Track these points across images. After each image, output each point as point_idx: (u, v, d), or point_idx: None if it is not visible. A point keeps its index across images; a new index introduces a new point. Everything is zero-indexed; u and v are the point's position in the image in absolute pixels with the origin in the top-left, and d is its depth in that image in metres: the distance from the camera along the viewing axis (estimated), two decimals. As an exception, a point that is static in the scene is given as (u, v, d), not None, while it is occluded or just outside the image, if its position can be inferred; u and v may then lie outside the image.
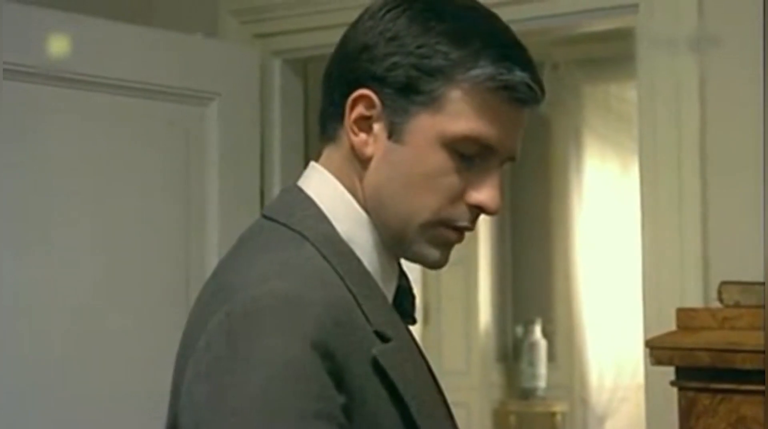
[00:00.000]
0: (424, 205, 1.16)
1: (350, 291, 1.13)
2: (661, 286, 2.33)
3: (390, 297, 1.21)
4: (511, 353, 5.74)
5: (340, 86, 1.19)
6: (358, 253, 1.17)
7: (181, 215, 2.72)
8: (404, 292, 1.26)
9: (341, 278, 1.13)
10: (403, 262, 1.25)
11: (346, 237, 1.18)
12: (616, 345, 5.25)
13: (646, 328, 2.30)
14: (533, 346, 5.58)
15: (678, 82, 2.33)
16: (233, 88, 2.82)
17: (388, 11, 1.18)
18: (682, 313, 2.03)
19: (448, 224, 1.17)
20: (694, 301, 2.24)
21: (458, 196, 1.16)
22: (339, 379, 1.05)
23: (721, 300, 2.02)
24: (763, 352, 1.78)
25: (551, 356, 5.62)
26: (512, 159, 1.20)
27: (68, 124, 2.52)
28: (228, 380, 1.03)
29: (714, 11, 2.32)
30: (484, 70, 1.13)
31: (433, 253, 1.19)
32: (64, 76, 2.49)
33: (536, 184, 5.58)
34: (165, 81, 2.68)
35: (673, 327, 2.03)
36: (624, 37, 3.15)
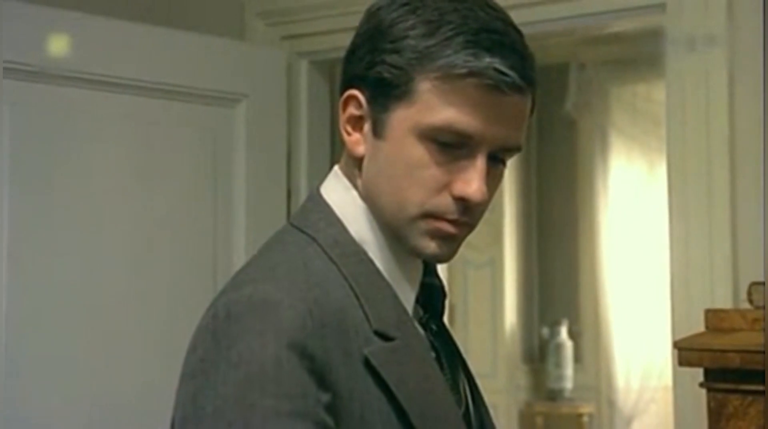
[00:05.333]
0: (409, 199, 1.16)
1: (353, 291, 1.14)
2: (690, 287, 2.31)
3: (410, 296, 1.21)
4: (538, 354, 5.73)
5: (340, 89, 1.22)
6: (371, 254, 1.19)
7: (208, 216, 2.74)
8: (436, 290, 1.26)
9: (345, 279, 1.15)
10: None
11: (358, 238, 1.19)
12: (643, 346, 5.22)
13: (675, 329, 2.29)
14: (560, 347, 5.56)
15: (707, 81, 2.32)
16: (260, 90, 2.83)
17: (371, 11, 1.20)
18: (712, 315, 2.01)
19: (436, 216, 1.16)
20: (723, 302, 2.23)
21: (442, 188, 1.15)
22: (321, 377, 1.06)
23: (750, 301, 2.01)
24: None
25: (578, 357, 5.60)
26: (510, 150, 1.18)
27: (96, 126, 2.54)
28: (209, 381, 1.06)
29: (743, 9, 2.30)
30: (449, 58, 1.13)
31: (430, 246, 1.17)
32: (92, 79, 2.51)
33: (562, 185, 5.56)
34: (192, 83, 2.69)
35: (701, 328, 2.02)
36: (651, 37, 3.14)
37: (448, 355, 1.25)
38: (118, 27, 2.57)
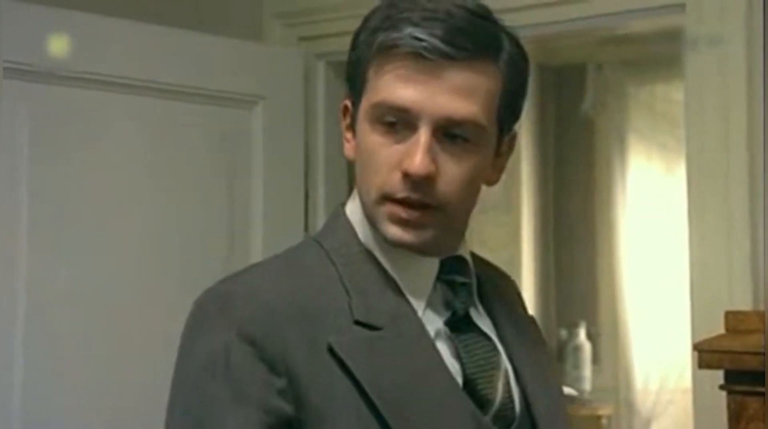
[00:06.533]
0: (370, 184, 1.20)
1: (344, 286, 1.19)
2: (709, 288, 2.30)
3: (421, 293, 1.23)
4: (556, 356, 5.71)
5: None
6: (377, 254, 1.23)
7: (225, 219, 2.74)
8: (460, 287, 1.26)
9: (340, 276, 1.20)
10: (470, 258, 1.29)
11: (364, 240, 1.24)
12: (661, 347, 5.20)
13: (694, 330, 2.28)
14: (577, 348, 5.54)
15: (726, 82, 2.31)
16: (277, 92, 2.83)
17: None
18: (731, 316, 2.01)
19: (390, 198, 1.18)
20: (743, 303, 2.21)
21: (395, 168, 1.17)
22: (273, 364, 1.12)
23: (770, 302, 2.00)
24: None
25: (596, 359, 5.57)
26: (461, 124, 1.17)
27: (113, 128, 2.54)
28: (177, 371, 1.19)
29: (762, 9, 2.28)
30: (378, 38, 1.18)
31: (392, 230, 1.19)
32: (109, 81, 2.52)
33: (580, 186, 5.54)
34: (209, 85, 2.69)
35: (721, 330, 2.01)
36: (669, 37, 3.13)
37: (480, 352, 1.24)
38: (135, 29, 2.57)
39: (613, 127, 5.46)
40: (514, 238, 5.24)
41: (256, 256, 2.67)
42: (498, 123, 1.22)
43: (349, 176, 3.02)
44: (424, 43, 1.14)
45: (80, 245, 2.47)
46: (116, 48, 2.54)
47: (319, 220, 2.90)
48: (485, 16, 1.20)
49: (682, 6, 2.38)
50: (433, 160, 1.16)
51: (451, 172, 1.17)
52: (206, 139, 2.71)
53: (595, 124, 5.46)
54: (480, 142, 1.19)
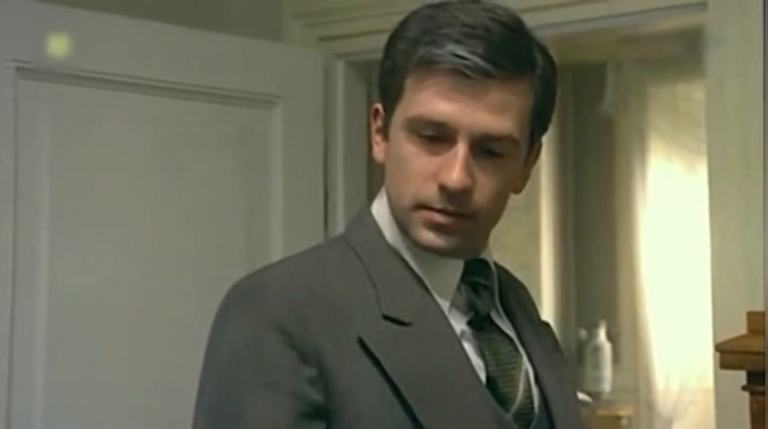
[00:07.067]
0: (403, 191, 1.23)
1: (372, 280, 1.23)
2: (731, 288, 2.28)
3: (446, 292, 1.26)
4: (576, 356, 5.69)
5: None
6: (404, 254, 1.27)
7: (245, 218, 2.74)
8: (482, 289, 1.29)
9: (367, 271, 1.24)
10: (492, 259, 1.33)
11: (391, 241, 1.27)
12: (682, 347, 5.17)
13: (716, 331, 2.26)
14: (597, 349, 5.52)
15: (747, 81, 2.29)
16: (297, 92, 2.83)
17: None
18: (753, 317, 1.99)
19: (426, 207, 1.22)
20: (765, 303, 2.20)
21: (430, 179, 1.21)
22: (303, 353, 1.15)
23: (793, 303, 1.99)
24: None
25: (616, 359, 5.55)
26: (497, 140, 1.21)
27: (133, 128, 2.56)
28: (207, 361, 1.22)
29: (762, 9, 2.27)
30: (421, 52, 1.20)
31: (428, 237, 1.23)
32: (130, 82, 2.53)
33: (600, 186, 5.52)
34: (229, 85, 2.70)
35: (743, 330, 2.00)
36: (689, 36, 3.12)
37: (503, 352, 1.27)
38: (155, 29, 2.58)
39: (633, 126, 5.44)
40: (533, 239, 5.22)
41: (276, 255, 2.67)
42: (530, 135, 1.27)
43: (369, 175, 3.02)
44: (466, 62, 1.17)
45: (101, 246, 2.48)
46: (136, 48, 2.55)
47: (339, 219, 2.90)
48: (519, 29, 1.23)
49: (704, 4, 2.36)
50: (471, 174, 1.20)
51: (486, 185, 1.21)
52: (226, 139, 2.72)
53: (615, 124, 5.44)
54: (512, 155, 1.24)
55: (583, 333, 5.62)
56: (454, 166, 1.19)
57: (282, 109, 2.81)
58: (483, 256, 1.31)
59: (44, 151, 2.39)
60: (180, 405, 2.48)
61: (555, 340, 1.44)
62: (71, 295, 2.41)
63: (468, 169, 1.19)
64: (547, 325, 1.45)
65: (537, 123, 1.27)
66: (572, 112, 5.41)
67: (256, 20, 2.96)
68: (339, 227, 2.83)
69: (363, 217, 1.31)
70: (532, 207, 5.05)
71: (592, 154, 5.55)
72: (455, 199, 1.20)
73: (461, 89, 1.19)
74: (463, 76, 1.18)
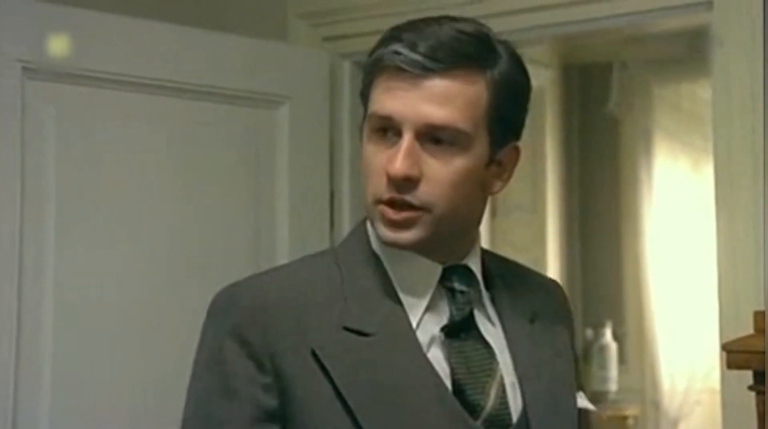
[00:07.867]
0: (367, 189, 1.29)
1: (343, 292, 1.27)
2: (738, 288, 2.28)
3: (420, 299, 1.29)
4: (581, 356, 5.69)
5: None
6: (383, 258, 1.30)
7: (251, 219, 2.75)
8: (460, 294, 1.30)
9: (342, 282, 1.28)
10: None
11: (375, 246, 1.31)
12: (688, 347, 5.17)
13: (722, 331, 2.26)
14: (603, 349, 5.52)
15: (753, 80, 2.29)
16: (303, 92, 2.83)
17: None
18: (760, 316, 1.99)
19: (380, 201, 1.26)
20: (771, 303, 2.20)
21: (382, 173, 1.26)
22: (261, 362, 1.23)
23: (800, 302, 1.98)
24: None
25: (622, 359, 5.55)
26: (441, 128, 1.24)
27: (141, 128, 2.56)
28: (193, 364, 1.32)
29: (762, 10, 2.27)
30: (373, 56, 1.28)
31: (383, 231, 1.27)
32: (136, 82, 2.53)
33: (605, 186, 5.51)
34: (235, 85, 2.70)
35: (750, 330, 2.00)
36: (695, 35, 3.11)
37: (476, 359, 1.28)
38: (161, 30, 2.59)
39: (638, 125, 5.44)
40: (539, 239, 5.22)
41: (282, 256, 2.67)
42: (488, 131, 1.28)
43: (374, 176, 3.01)
44: (402, 57, 1.23)
45: (107, 245, 2.48)
46: (142, 49, 2.55)
47: (345, 219, 2.90)
48: (477, 35, 1.27)
49: (709, 4, 2.36)
50: (416, 162, 1.24)
51: (437, 173, 1.24)
52: (232, 139, 2.72)
53: (621, 123, 5.43)
54: (467, 146, 1.26)
55: (589, 333, 5.62)
56: (396, 155, 1.23)
57: (288, 109, 2.81)
58: (468, 262, 1.32)
59: (50, 151, 2.40)
60: (177, 399, 2.50)
61: (568, 340, 1.43)
62: (77, 293, 2.41)
63: (412, 158, 1.23)
64: (563, 322, 1.44)
65: (499, 123, 1.28)
66: (578, 112, 5.40)
67: (261, 20, 2.96)
68: (345, 226, 2.83)
69: (357, 226, 1.36)
70: (538, 206, 5.05)
71: (597, 153, 5.55)
72: (401, 188, 1.24)
73: (403, 83, 1.24)
74: (402, 71, 1.23)
